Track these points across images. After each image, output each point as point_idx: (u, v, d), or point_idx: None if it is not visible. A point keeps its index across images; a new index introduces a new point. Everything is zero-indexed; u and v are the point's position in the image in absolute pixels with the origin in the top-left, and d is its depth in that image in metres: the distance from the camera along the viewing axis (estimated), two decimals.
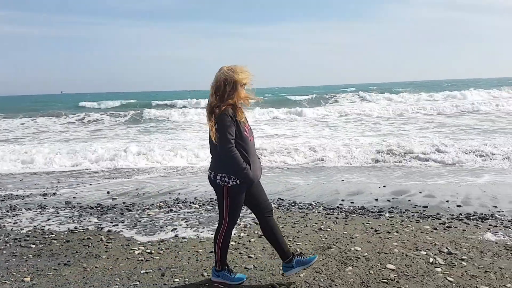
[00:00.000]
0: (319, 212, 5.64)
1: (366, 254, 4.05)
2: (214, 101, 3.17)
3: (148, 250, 4.32)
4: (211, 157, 3.36)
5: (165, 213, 5.82)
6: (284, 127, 19.15)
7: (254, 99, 3.35)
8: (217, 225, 3.48)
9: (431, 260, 3.84)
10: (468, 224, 4.90)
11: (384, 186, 7.18)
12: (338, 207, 5.96)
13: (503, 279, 3.41)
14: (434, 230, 4.70)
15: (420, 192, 6.67)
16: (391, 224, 4.97)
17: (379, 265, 3.78)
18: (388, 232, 4.67)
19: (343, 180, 7.83)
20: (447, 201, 6.07)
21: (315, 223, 5.08)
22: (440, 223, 4.94)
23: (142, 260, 4.07)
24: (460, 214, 5.36)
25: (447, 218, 5.15)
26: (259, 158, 3.44)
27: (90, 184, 8.35)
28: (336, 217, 5.35)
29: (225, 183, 3.23)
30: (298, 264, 3.45)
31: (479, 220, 5.04)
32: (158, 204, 6.36)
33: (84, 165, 10.85)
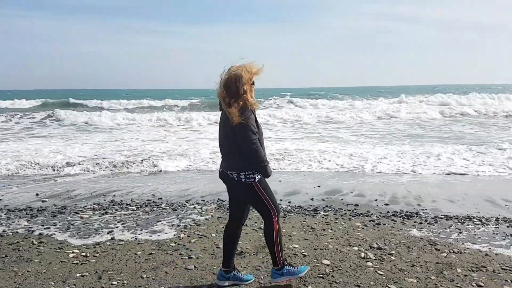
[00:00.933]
0: None
1: (303, 250, 4.22)
2: (228, 98, 3.12)
3: (83, 253, 4.17)
4: (226, 157, 3.32)
5: (100, 216, 5.62)
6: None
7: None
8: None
9: (362, 255, 4.08)
10: (396, 221, 5.26)
11: (319, 186, 7.47)
12: None
13: (428, 272, 3.71)
14: (365, 227, 5.00)
15: (351, 192, 7.02)
16: (326, 222, 5.20)
17: (316, 260, 3.95)
18: (323, 230, 4.89)
19: (280, 181, 8.03)
20: (376, 200, 6.46)
21: (255, 223, 5.18)
22: (370, 220, 5.26)
23: (77, 264, 3.92)
24: (388, 212, 5.74)
25: (376, 216, 5.49)
26: None
27: (17, 186, 7.83)
28: None
29: (252, 179, 3.22)
30: (233, 278, 3.45)
31: (405, 217, 5.43)
32: (92, 206, 6.12)
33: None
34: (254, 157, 3.15)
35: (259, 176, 3.24)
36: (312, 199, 6.60)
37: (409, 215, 5.53)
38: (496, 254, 4.12)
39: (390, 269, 3.76)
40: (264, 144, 3.29)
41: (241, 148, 3.15)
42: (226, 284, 3.42)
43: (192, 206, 6.06)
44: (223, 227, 4.92)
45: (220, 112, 3.31)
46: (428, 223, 5.16)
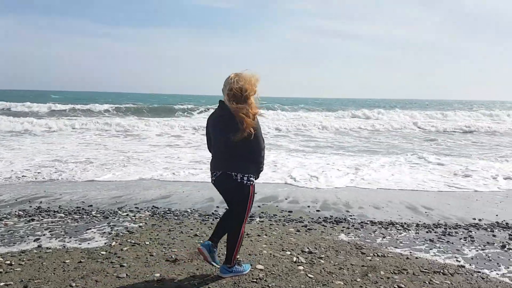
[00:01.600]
0: (195, 218, 5.74)
1: (238, 256, 4.27)
2: (233, 103, 3.37)
3: (8, 261, 3.94)
4: (227, 160, 3.50)
5: (25, 223, 5.31)
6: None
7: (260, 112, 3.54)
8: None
9: (294, 259, 4.23)
10: (326, 226, 5.50)
11: (256, 193, 7.58)
12: (213, 213, 6.14)
13: (354, 274, 3.92)
14: (298, 232, 5.17)
15: (286, 199, 7.22)
16: (261, 228, 5.32)
17: (250, 266, 4.04)
18: (258, 235, 4.99)
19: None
20: (308, 206, 6.70)
21: (191, 229, 5.17)
22: (302, 226, 5.45)
23: (1, 272, 3.69)
24: (319, 217, 5.98)
25: (308, 221, 5.70)
26: None
27: None
28: (211, 223, 5.51)
29: (251, 182, 3.54)
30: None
31: (335, 223, 5.69)
32: (17, 213, 5.77)
33: None
34: (260, 164, 3.54)
35: (255, 179, 3.59)
36: None
37: (338, 220, 5.80)
38: (416, 258, 4.44)
39: (320, 272, 3.94)
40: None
41: (251, 152, 3.45)
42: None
43: (125, 214, 5.91)
44: (157, 235, 4.90)
45: (208, 116, 3.68)
46: (355, 228, 5.45)
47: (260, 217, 5.93)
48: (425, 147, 16.42)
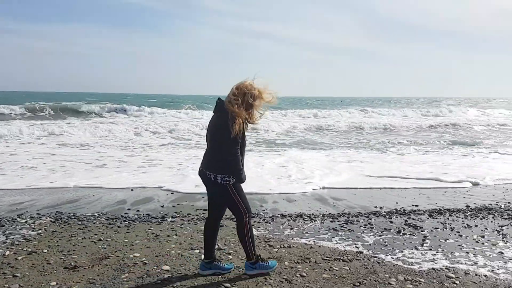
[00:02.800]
0: (101, 222, 5.50)
1: (144, 259, 4.18)
2: (234, 106, 3.49)
3: None
4: (208, 156, 3.70)
5: None
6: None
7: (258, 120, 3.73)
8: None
9: (203, 257, 4.21)
10: None
11: (172, 193, 7.47)
12: (122, 216, 5.93)
13: None
14: None
15: (203, 197, 7.18)
16: (171, 228, 5.24)
17: (155, 267, 3.96)
18: (168, 236, 4.91)
19: (132, 190, 7.77)
20: None
21: (95, 234, 4.94)
22: None
23: None
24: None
25: (222, 218, 5.71)
26: None
27: None
28: (118, 227, 5.32)
29: (227, 182, 3.62)
30: (215, 268, 3.85)
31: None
32: None
33: None
34: (233, 164, 3.56)
35: (233, 180, 3.63)
36: (162, 206, 6.57)
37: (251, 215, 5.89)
38: (319, 247, 4.66)
39: None
40: (244, 154, 3.70)
41: (222, 152, 3.55)
42: (207, 273, 3.82)
43: (23, 221, 5.49)
44: (57, 241, 4.63)
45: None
46: (265, 222, 5.58)
47: (172, 217, 5.84)
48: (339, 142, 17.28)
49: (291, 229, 5.29)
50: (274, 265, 3.92)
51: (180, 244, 4.64)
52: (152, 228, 5.24)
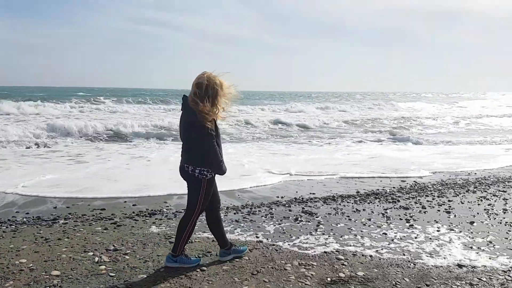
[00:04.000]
0: None
1: (31, 265, 3.87)
2: (198, 100, 3.49)
3: None
4: (185, 152, 3.70)
5: None
6: None
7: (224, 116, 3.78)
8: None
9: (96, 259, 4.02)
10: (137, 220, 5.39)
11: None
12: (9, 220, 5.42)
13: (159, 265, 3.92)
14: (105, 230, 4.94)
15: (99, 197, 6.84)
16: (63, 231, 4.91)
17: (44, 273, 3.68)
18: (59, 239, 4.60)
19: (21, 195, 7.11)
20: (125, 201, 6.49)
21: None
22: (112, 223, 5.23)
23: None
24: (133, 212, 5.83)
25: (120, 218, 5.51)
26: None
27: None
28: (4, 231, 4.86)
29: (204, 176, 3.66)
30: (234, 252, 4.07)
31: (148, 215, 5.63)
32: None
33: None
34: (211, 157, 3.59)
35: (211, 175, 3.69)
36: (55, 207, 6.14)
37: (153, 213, 5.76)
38: None
39: (123, 269, 3.83)
40: (221, 145, 3.75)
41: (199, 146, 3.58)
42: (228, 258, 4.05)
43: None
44: None
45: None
46: (168, 219, 5.49)
47: (65, 218, 5.48)
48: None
49: None
50: (196, 262, 3.93)
51: (72, 247, 4.36)
52: (41, 232, 4.86)
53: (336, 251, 4.38)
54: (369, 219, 5.53)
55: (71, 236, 4.72)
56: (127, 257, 4.12)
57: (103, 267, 3.86)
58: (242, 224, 5.27)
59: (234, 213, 5.77)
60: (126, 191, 7.20)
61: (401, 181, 8.30)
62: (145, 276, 3.70)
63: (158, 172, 8.97)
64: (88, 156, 11.45)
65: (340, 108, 37.80)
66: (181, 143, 3.82)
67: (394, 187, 7.63)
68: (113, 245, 4.40)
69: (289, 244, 4.57)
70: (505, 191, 7.25)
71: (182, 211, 5.88)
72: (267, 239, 4.75)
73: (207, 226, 5.11)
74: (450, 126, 24.39)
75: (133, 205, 6.32)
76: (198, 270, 3.81)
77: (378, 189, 7.41)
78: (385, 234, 4.96)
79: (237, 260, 4.07)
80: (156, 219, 5.47)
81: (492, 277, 3.77)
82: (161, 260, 4.02)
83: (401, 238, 4.81)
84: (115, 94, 50.99)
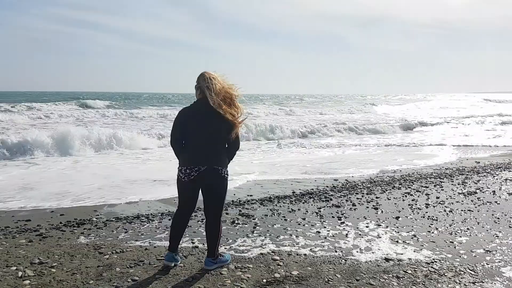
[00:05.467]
0: None
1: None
2: (231, 103, 3.74)
3: None
4: (215, 154, 3.72)
5: None
6: None
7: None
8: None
9: (20, 274, 3.75)
10: (65, 231, 5.10)
11: None
12: None
13: (88, 277, 3.73)
14: (30, 243, 4.63)
15: (23, 207, 6.40)
16: None
17: None
18: None
19: None
20: (52, 211, 6.11)
21: None
22: (37, 235, 4.91)
23: None
24: (61, 222, 5.50)
25: (46, 229, 5.18)
26: None
27: None
28: None
29: (227, 175, 3.85)
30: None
31: (76, 225, 5.33)
32: None
33: None
34: (232, 157, 3.90)
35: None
36: None
37: (81, 222, 5.47)
38: (155, 247, 4.57)
39: (49, 283, 3.60)
40: None
41: (230, 148, 3.81)
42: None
43: None
44: None
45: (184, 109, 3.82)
46: (97, 228, 5.24)
47: None
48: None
49: (126, 232, 5.09)
50: (229, 258, 4.14)
51: None
52: None
53: (272, 252, 4.44)
54: (304, 219, 5.66)
55: None
56: (53, 270, 3.88)
57: (27, 281, 3.61)
58: None
59: (169, 219, 5.64)
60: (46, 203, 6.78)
61: (334, 180, 8.60)
62: None
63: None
64: None
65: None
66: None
67: (327, 186, 7.88)
68: (38, 258, 4.13)
69: (225, 248, 4.55)
70: (427, 187, 7.76)
71: (114, 219, 5.66)
72: (203, 244, 4.68)
73: (139, 234, 5.01)
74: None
75: (60, 215, 5.97)
76: (130, 280, 3.68)
77: (312, 189, 7.61)
78: (319, 232, 5.10)
79: (171, 267, 3.98)
80: (84, 229, 5.20)
81: (416, 269, 4.00)
82: (90, 272, 3.84)
83: (333, 236, 4.98)
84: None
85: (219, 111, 3.65)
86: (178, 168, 3.80)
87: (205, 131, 3.69)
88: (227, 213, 5.94)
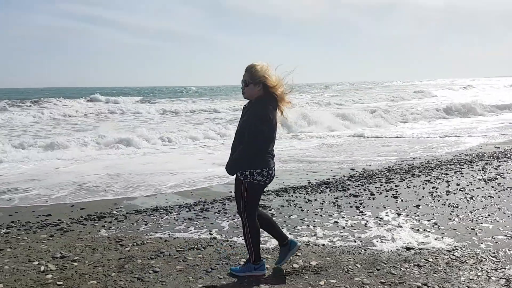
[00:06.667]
0: None
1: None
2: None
3: None
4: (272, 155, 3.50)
5: None
6: None
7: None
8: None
9: (42, 268, 3.83)
10: (86, 225, 5.17)
11: (9, 200, 6.62)
12: None
13: (110, 270, 3.78)
14: (51, 238, 4.71)
15: (46, 201, 6.52)
16: (5, 241, 4.62)
17: None
18: (1, 250, 4.32)
19: None
20: (72, 206, 6.20)
21: None
22: (58, 229, 4.99)
23: None
24: (81, 216, 5.58)
25: (67, 223, 5.26)
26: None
27: None
28: None
29: None
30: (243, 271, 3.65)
31: (97, 219, 5.41)
32: None
33: None
34: None
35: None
36: None
37: (102, 216, 5.54)
38: (174, 239, 4.61)
39: (71, 276, 3.66)
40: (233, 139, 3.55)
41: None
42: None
43: None
44: None
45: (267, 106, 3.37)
46: (118, 221, 5.31)
47: (8, 227, 5.15)
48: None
49: (146, 224, 5.14)
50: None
51: (15, 257, 4.12)
52: None
53: None
54: (321, 209, 5.64)
55: (14, 245, 4.45)
56: (75, 263, 3.95)
57: (49, 276, 3.68)
58: (195, 222, 5.20)
59: (187, 211, 5.69)
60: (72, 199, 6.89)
61: (351, 169, 8.53)
62: (95, 282, 3.56)
63: None
64: None
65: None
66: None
67: (344, 176, 7.82)
68: (60, 252, 4.20)
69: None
70: (447, 174, 7.64)
71: (133, 212, 5.72)
72: (221, 235, 4.72)
73: (159, 226, 5.06)
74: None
75: (81, 208, 6.06)
76: (151, 271, 3.72)
77: (329, 179, 7.56)
78: (337, 222, 5.07)
79: (190, 258, 4.01)
80: (105, 222, 5.27)
81: (438, 257, 3.95)
82: (112, 265, 3.89)
83: (352, 226, 4.94)
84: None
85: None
86: (254, 171, 3.37)
87: (273, 132, 3.45)
88: None
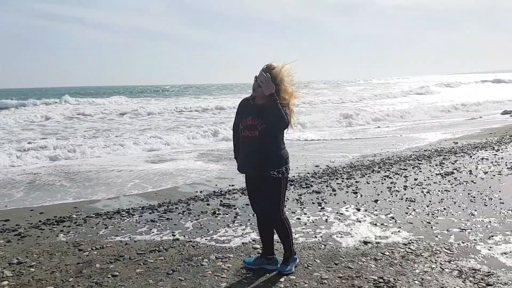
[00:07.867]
0: None
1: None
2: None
3: None
4: None
5: None
6: None
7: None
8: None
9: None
10: (44, 229, 5.03)
11: None
12: None
13: (67, 275, 3.71)
14: (8, 243, 4.57)
15: (6, 206, 6.30)
16: None
17: None
18: None
19: None
20: (31, 210, 6.02)
21: None
22: (15, 235, 4.83)
23: None
24: (40, 221, 5.42)
25: (25, 228, 5.10)
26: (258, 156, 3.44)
27: None
28: None
29: None
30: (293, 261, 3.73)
31: (56, 223, 5.27)
32: None
33: None
34: None
35: None
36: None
37: (60, 220, 5.40)
38: (135, 242, 4.56)
39: (28, 283, 3.57)
40: (244, 141, 3.52)
41: None
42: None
43: None
44: None
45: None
46: (77, 225, 5.19)
47: None
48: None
49: (106, 227, 5.06)
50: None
51: None
52: None
53: (253, 240, 4.47)
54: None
55: None
56: (32, 269, 3.85)
57: (5, 282, 3.58)
58: (158, 224, 5.15)
59: (150, 213, 5.63)
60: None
61: (315, 166, 8.67)
62: (53, 287, 3.48)
63: None
64: None
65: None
66: None
67: (308, 173, 7.94)
68: (17, 258, 4.08)
69: (206, 239, 4.58)
70: (406, 169, 7.89)
71: (93, 215, 5.61)
72: (184, 236, 4.70)
73: (119, 229, 4.99)
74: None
75: (40, 213, 5.89)
76: (110, 276, 3.67)
77: (293, 176, 7.66)
78: (299, 219, 5.16)
79: (151, 261, 3.98)
80: (64, 226, 5.15)
81: (394, 251, 4.09)
82: (70, 270, 3.82)
83: (313, 222, 5.04)
84: None
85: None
86: (288, 166, 3.57)
87: None
88: (208, 204, 5.96)
